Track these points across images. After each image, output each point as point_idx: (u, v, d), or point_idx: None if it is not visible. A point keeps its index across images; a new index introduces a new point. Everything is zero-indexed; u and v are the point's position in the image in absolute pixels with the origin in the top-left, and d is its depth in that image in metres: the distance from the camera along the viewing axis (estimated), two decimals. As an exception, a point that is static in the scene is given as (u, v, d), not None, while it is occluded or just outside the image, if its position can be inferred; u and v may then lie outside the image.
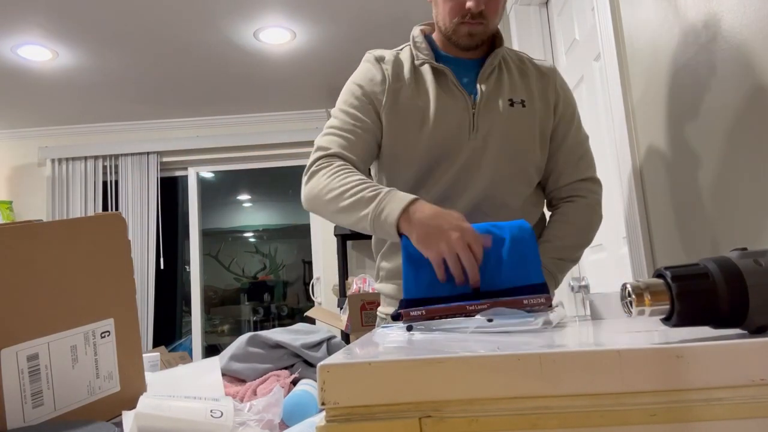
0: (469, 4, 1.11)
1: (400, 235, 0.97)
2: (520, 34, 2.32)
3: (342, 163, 1.11)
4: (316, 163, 1.13)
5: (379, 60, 1.22)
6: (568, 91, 1.29)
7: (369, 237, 1.27)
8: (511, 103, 1.19)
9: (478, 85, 1.18)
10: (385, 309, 1.26)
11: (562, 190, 1.26)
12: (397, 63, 1.21)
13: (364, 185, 1.04)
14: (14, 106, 3.77)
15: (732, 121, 1.08)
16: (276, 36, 3.03)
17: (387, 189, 1.02)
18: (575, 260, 1.21)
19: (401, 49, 1.26)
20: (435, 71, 1.19)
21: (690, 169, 1.24)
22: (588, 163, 1.27)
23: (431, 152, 1.17)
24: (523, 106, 1.19)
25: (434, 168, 1.17)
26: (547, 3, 2.33)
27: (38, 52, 3.02)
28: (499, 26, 1.23)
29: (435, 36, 1.26)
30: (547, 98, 1.23)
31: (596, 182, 1.28)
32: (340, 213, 1.06)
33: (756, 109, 1.01)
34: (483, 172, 1.17)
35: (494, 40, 1.25)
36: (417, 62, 1.21)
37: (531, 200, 1.25)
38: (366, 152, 1.17)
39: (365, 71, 1.22)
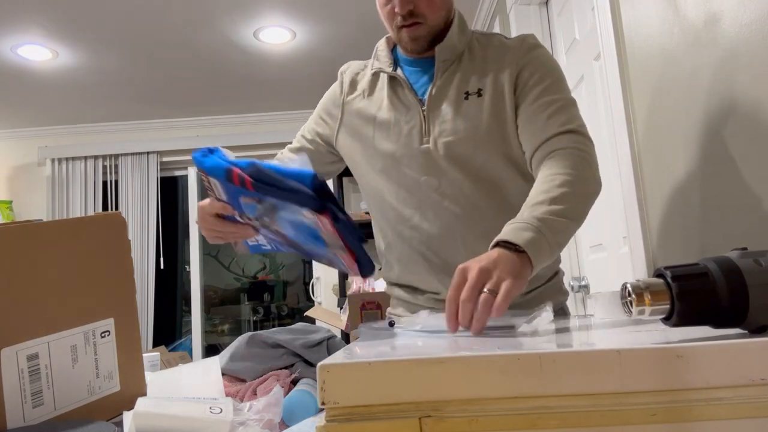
0: (396, 9, 1.09)
1: None
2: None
3: None
4: None
5: (342, 72, 1.27)
6: (540, 57, 1.14)
7: (371, 237, 1.27)
8: (466, 96, 1.13)
9: (429, 87, 1.14)
10: (394, 310, 1.26)
11: (539, 152, 1.06)
12: (358, 73, 1.25)
13: None
14: (14, 106, 3.77)
15: (732, 121, 1.08)
16: (276, 36, 3.03)
17: None
18: (573, 216, 0.93)
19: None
20: (390, 79, 1.18)
21: (690, 169, 1.24)
22: (566, 118, 1.06)
23: (386, 161, 1.15)
24: (479, 95, 1.13)
25: (393, 176, 1.16)
26: (547, 3, 2.33)
27: (38, 51, 3.02)
28: (464, 19, 1.18)
29: None
30: (509, 72, 1.13)
31: (578, 133, 1.05)
32: None
33: (756, 109, 1.01)
34: (448, 174, 1.12)
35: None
36: (372, 71, 1.21)
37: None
38: (320, 157, 1.26)
39: (331, 89, 1.28)
